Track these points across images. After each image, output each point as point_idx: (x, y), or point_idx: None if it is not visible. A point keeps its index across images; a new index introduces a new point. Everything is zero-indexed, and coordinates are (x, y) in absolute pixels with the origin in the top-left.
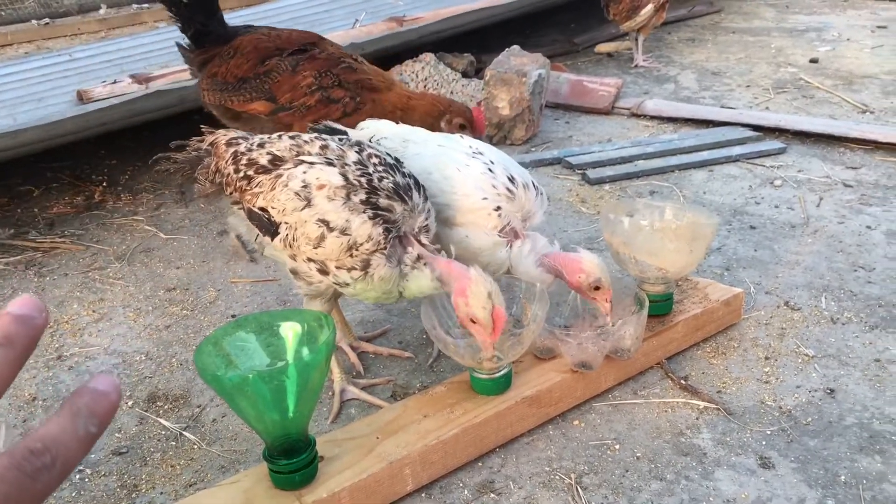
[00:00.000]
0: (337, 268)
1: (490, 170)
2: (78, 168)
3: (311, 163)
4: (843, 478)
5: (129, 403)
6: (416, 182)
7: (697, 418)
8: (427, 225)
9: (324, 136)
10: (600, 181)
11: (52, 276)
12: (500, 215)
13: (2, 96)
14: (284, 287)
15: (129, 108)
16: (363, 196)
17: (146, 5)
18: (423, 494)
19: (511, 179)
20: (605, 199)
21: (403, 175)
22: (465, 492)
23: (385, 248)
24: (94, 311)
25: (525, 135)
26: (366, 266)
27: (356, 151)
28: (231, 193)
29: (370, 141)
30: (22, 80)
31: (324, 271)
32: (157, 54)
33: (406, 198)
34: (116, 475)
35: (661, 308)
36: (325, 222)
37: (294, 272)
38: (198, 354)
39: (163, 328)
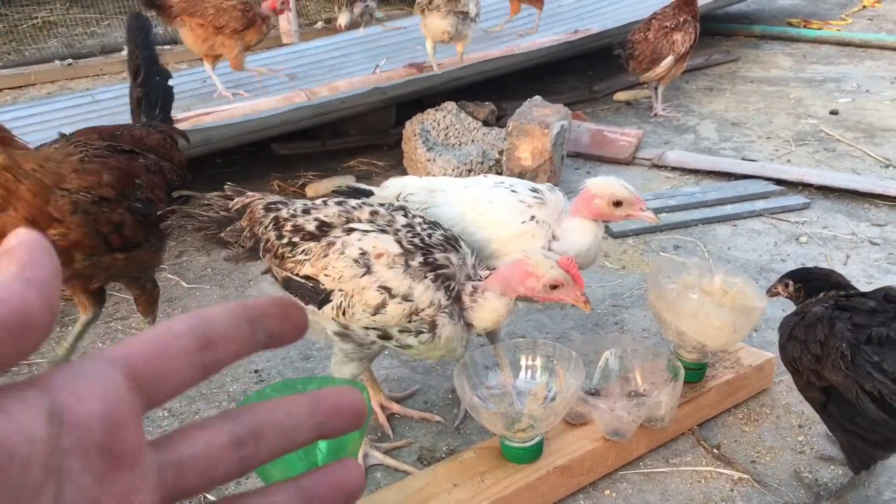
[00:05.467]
0: (400, 332)
1: (513, 191)
2: None
3: (365, 231)
4: None
5: None
6: (455, 236)
7: (731, 490)
8: (475, 266)
9: (351, 197)
10: (623, 235)
11: (74, 326)
12: (536, 222)
13: (25, 137)
14: (308, 341)
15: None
16: (421, 259)
17: (168, 47)
18: None
19: (534, 189)
20: (628, 255)
21: (445, 229)
22: None
23: (447, 309)
24: None
25: None
26: (433, 328)
27: (402, 215)
28: (269, 259)
29: (398, 198)
30: (45, 121)
31: (385, 336)
32: (179, 97)
33: (458, 247)
34: None
35: (693, 376)
36: (387, 289)
37: (343, 335)
38: None
39: None
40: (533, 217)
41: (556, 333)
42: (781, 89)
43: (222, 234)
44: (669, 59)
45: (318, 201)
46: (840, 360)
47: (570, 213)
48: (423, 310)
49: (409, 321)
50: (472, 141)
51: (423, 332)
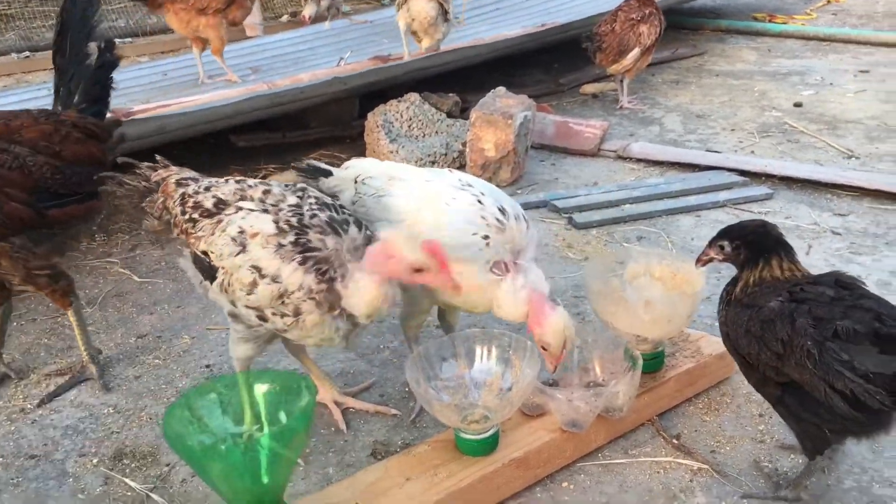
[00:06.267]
0: (272, 314)
1: (479, 201)
2: None
3: (250, 209)
4: None
5: (95, 461)
6: (358, 221)
7: (691, 480)
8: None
9: (311, 175)
10: (587, 226)
11: (20, 322)
12: (488, 244)
13: None
14: None
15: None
16: (292, 238)
17: (129, 39)
18: None
19: (502, 210)
20: (591, 245)
21: (339, 212)
22: None
23: (316, 294)
24: (62, 360)
25: (511, 177)
26: (297, 313)
27: (298, 196)
28: (178, 235)
29: (356, 181)
30: None
31: (262, 317)
32: (138, 90)
33: (341, 231)
34: None
35: (651, 366)
36: (258, 269)
37: (233, 316)
38: (168, 418)
39: (133, 378)
40: (486, 238)
41: (515, 326)
42: (746, 82)
43: (143, 204)
44: (636, 52)
45: (222, 179)
46: (806, 359)
47: (532, 292)
48: (291, 293)
49: (281, 303)
50: (436, 132)
51: (287, 316)
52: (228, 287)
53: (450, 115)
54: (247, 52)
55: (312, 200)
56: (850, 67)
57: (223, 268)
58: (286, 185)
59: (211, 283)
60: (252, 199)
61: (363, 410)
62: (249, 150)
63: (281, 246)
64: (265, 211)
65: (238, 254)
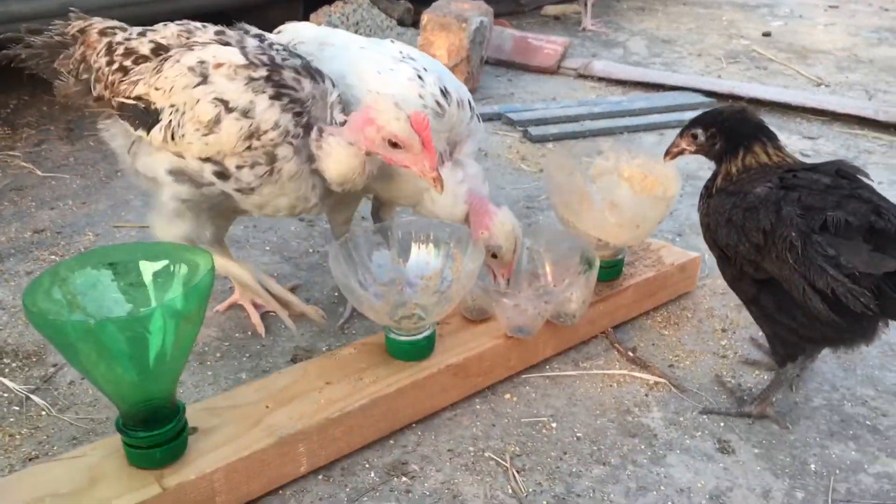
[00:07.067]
0: (238, 167)
1: (420, 76)
2: None
3: (205, 43)
4: (812, 466)
5: None
6: (318, 69)
7: (647, 395)
8: (334, 106)
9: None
10: (543, 139)
11: None
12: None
13: None
14: None
15: (3, 11)
16: (264, 73)
17: None
18: (319, 477)
19: (444, 92)
20: (546, 158)
21: (308, 62)
22: (372, 474)
23: (293, 138)
24: None
25: None
26: (272, 160)
27: (257, 39)
28: (102, 92)
29: (288, 46)
30: None
31: (222, 174)
32: None
33: (317, 78)
34: None
35: (609, 274)
36: (223, 101)
37: (177, 173)
38: (29, 293)
39: (24, 274)
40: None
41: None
42: (714, 11)
43: (55, 64)
44: None
45: (160, 24)
46: (787, 253)
47: (470, 193)
48: (264, 132)
49: (249, 147)
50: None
51: (259, 164)
52: (178, 129)
53: (401, 22)
54: None
55: (279, 48)
56: (819, 2)
57: (172, 105)
58: (239, 28)
59: (147, 133)
60: (204, 40)
61: (284, 301)
62: None
63: (252, 79)
64: (227, 44)
65: (197, 85)
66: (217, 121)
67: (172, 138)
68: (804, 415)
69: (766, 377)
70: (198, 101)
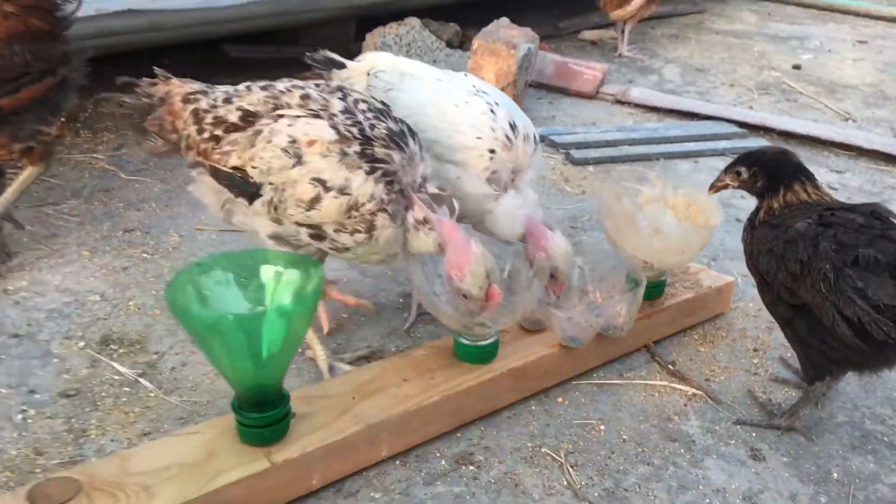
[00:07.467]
0: (336, 231)
1: (492, 111)
2: None
3: (295, 116)
4: (835, 475)
5: (81, 345)
6: (409, 128)
7: (685, 405)
8: (427, 175)
9: (317, 71)
10: (585, 162)
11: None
12: (491, 159)
13: None
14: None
15: (95, 27)
16: (357, 147)
17: None
18: (397, 462)
19: (512, 126)
20: (588, 181)
21: (395, 121)
22: (443, 462)
23: (388, 206)
24: (45, 247)
25: None
26: (370, 228)
27: (340, 98)
28: (193, 158)
29: (368, 74)
30: None
31: (319, 236)
32: None
33: (403, 145)
34: (63, 418)
35: (652, 293)
36: (321, 181)
37: (276, 238)
38: (171, 289)
39: (120, 269)
40: (492, 151)
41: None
42: (746, 42)
43: (144, 124)
44: None
45: (242, 86)
46: (821, 283)
47: (527, 218)
48: (362, 204)
49: (349, 217)
50: (435, 61)
51: (359, 232)
52: (280, 205)
53: (449, 44)
54: None
55: (364, 106)
56: (848, 37)
57: (271, 184)
58: (317, 86)
59: (249, 202)
60: (291, 107)
61: (345, 303)
62: (237, 63)
63: (345, 154)
64: (316, 116)
65: (293, 166)
66: (317, 199)
67: (276, 210)
68: (828, 429)
69: (794, 394)
70: (296, 181)
